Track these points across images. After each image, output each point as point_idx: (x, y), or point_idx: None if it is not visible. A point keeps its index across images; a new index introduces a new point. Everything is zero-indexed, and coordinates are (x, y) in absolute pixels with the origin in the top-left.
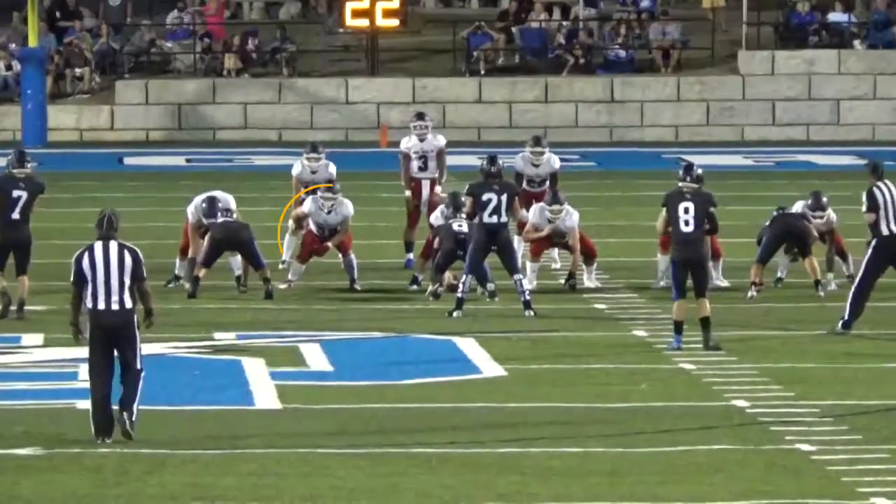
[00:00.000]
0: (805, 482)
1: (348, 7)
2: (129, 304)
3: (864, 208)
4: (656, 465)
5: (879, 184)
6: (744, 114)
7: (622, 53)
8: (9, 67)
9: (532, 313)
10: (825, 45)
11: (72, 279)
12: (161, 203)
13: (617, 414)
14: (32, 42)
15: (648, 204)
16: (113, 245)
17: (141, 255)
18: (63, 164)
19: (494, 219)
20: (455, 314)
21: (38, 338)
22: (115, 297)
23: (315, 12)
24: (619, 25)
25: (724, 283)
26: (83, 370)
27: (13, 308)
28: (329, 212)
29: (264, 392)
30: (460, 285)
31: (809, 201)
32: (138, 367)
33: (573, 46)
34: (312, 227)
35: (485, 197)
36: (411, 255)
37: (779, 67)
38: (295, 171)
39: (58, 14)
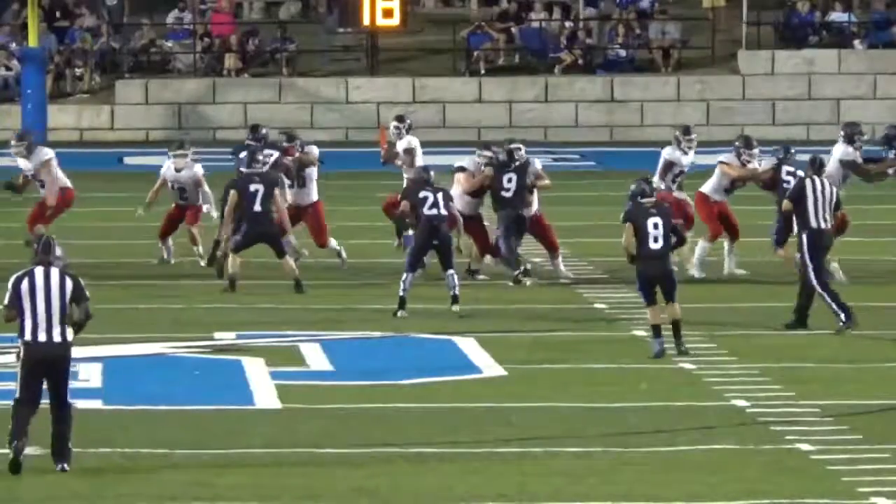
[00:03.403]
0: (805, 482)
1: (366, 7)
2: (69, 336)
3: (787, 195)
4: (656, 465)
5: (815, 178)
6: (744, 113)
7: (622, 53)
8: (9, 68)
9: (458, 308)
10: (825, 45)
11: (6, 302)
12: (161, 203)
13: (617, 414)
14: (32, 42)
15: None
16: (53, 271)
17: (80, 279)
18: (63, 164)
19: (435, 211)
20: (399, 314)
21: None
22: (56, 329)
23: (315, 12)
24: (619, 25)
25: (740, 272)
26: (83, 370)
27: None
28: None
29: (264, 392)
30: (401, 283)
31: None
32: (70, 402)
33: (573, 46)
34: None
35: (421, 195)
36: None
37: (779, 67)
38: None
39: (57, 14)
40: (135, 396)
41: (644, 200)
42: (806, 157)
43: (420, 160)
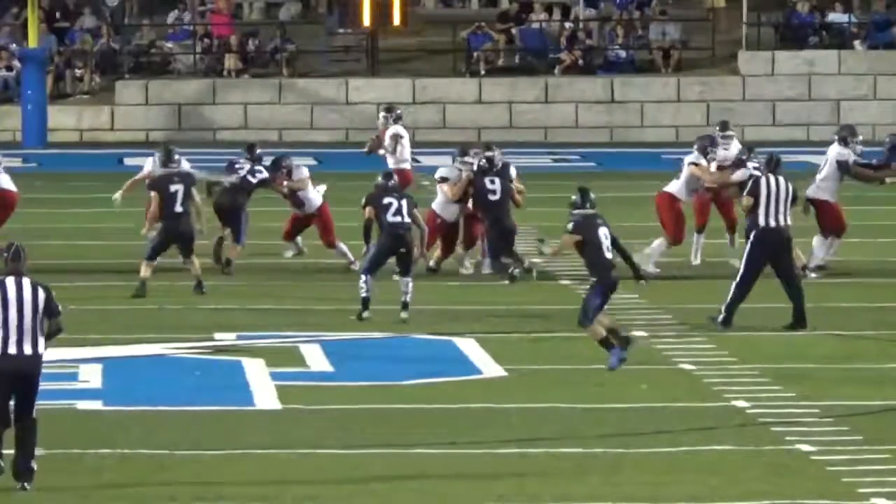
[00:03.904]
0: (805, 482)
1: (366, 7)
2: (41, 349)
3: (745, 191)
4: (656, 466)
5: (770, 176)
6: (744, 114)
7: (622, 54)
8: (9, 68)
9: (406, 315)
10: (825, 46)
11: None
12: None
13: (617, 414)
14: (32, 43)
15: (649, 205)
16: (25, 282)
17: (52, 291)
18: (63, 165)
19: (398, 218)
20: (364, 315)
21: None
22: (27, 342)
23: (315, 12)
24: (618, 26)
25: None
26: (83, 370)
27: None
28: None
29: (264, 392)
30: (362, 285)
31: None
32: (35, 417)
33: (573, 47)
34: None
35: (385, 200)
36: None
37: (779, 68)
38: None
39: (58, 15)
40: (135, 397)
41: (590, 211)
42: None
43: (407, 151)
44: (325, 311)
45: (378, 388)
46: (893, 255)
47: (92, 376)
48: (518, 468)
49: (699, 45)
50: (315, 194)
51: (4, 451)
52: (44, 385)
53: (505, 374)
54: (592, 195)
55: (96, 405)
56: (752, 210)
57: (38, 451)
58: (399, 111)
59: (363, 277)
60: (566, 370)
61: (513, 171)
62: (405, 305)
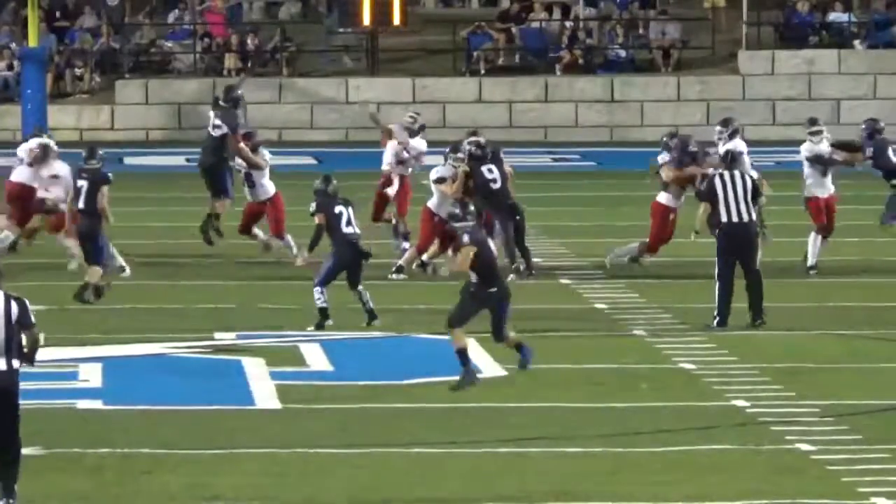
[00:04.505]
0: (805, 482)
1: (366, 7)
2: (15, 364)
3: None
4: (656, 465)
5: (726, 172)
6: (744, 113)
7: (622, 53)
8: (9, 67)
9: (379, 322)
10: (825, 45)
11: None
12: (161, 203)
13: (617, 414)
14: (32, 42)
15: (648, 204)
16: None
17: (27, 302)
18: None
19: (351, 230)
20: (327, 324)
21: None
22: (2, 356)
23: (315, 12)
24: (618, 25)
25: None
26: (83, 370)
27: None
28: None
29: (264, 392)
30: (318, 295)
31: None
32: (19, 443)
33: (573, 46)
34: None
35: (336, 209)
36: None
37: (779, 67)
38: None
39: (58, 14)
40: (135, 396)
41: (472, 222)
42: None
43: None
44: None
45: (378, 387)
46: (893, 254)
47: (92, 375)
48: (517, 467)
49: (699, 44)
50: (270, 183)
51: None
52: (43, 384)
53: (504, 373)
54: (472, 206)
55: (96, 404)
56: (714, 209)
57: (37, 451)
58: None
59: (319, 289)
60: (566, 369)
61: (507, 165)
62: (373, 314)
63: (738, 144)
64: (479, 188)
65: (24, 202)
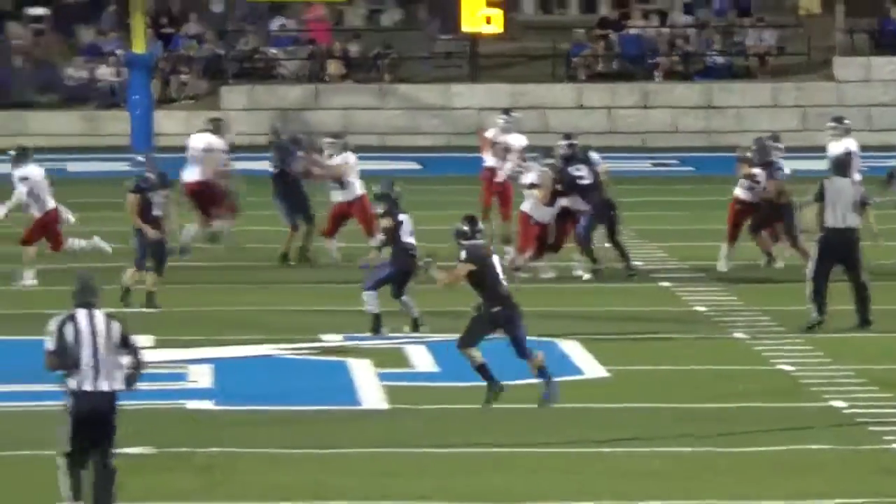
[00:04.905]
0: None
1: (464, 11)
2: (115, 386)
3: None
4: (755, 465)
5: (834, 178)
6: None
7: (719, 60)
8: (117, 73)
9: (425, 329)
10: None
11: (52, 348)
12: (264, 207)
13: (715, 414)
14: (139, 48)
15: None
16: (98, 315)
17: (125, 323)
18: (170, 168)
19: (412, 240)
20: (382, 330)
21: (149, 339)
22: (103, 379)
23: (417, 19)
24: (715, 32)
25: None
26: (192, 371)
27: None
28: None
29: (371, 392)
30: (371, 300)
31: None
32: (113, 464)
33: (671, 53)
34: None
35: (400, 217)
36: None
37: (874, 73)
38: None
39: (163, 20)
40: (244, 397)
41: (480, 241)
42: None
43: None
44: (431, 312)
45: (483, 388)
46: None
47: (202, 377)
48: (616, 467)
49: (794, 50)
50: (358, 182)
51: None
52: (154, 385)
53: (607, 374)
54: (481, 225)
55: (206, 405)
56: (820, 213)
57: (148, 450)
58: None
59: (372, 293)
60: (666, 371)
61: (594, 156)
62: (417, 322)
63: (849, 143)
64: (568, 185)
65: (206, 197)
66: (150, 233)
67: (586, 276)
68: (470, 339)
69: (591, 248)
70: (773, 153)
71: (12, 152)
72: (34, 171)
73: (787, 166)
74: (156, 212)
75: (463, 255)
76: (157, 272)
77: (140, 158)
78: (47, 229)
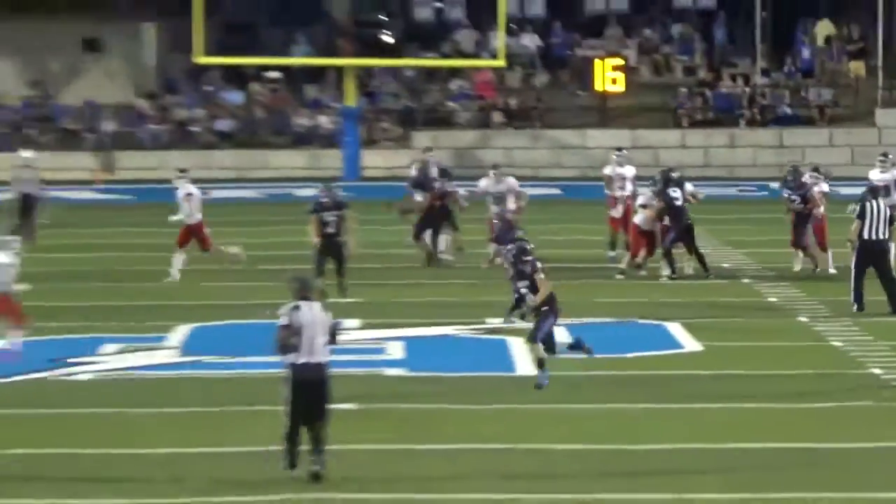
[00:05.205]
0: None
1: (597, 74)
2: (325, 358)
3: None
4: (817, 415)
5: (872, 201)
6: None
7: (788, 111)
8: (333, 122)
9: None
10: None
11: (284, 326)
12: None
13: (788, 378)
14: (350, 102)
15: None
16: (314, 305)
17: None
18: (373, 194)
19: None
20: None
21: (354, 322)
22: (318, 354)
23: (560, 80)
24: (786, 90)
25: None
26: (388, 346)
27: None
28: None
29: (522, 363)
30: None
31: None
32: (327, 419)
33: (752, 106)
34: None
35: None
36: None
37: None
38: None
39: (367, 81)
40: (429, 365)
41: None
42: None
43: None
44: (570, 301)
45: (609, 358)
46: None
47: (396, 350)
48: (704, 419)
49: (846, 104)
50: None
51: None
52: (356, 357)
53: (701, 348)
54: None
55: (400, 371)
56: (860, 227)
57: (354, 406)
58: (625, 152)
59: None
60: (746, 346)
61: (689, 186)
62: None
63: (895, 173)
64: (669, 206)
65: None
66: (315, 241)
67: (665, 275)
68: (538, 336)
69: (673, 255)
70: (808, 178)
71: (179, 174)
72: (194, 190)
73: (827, 186)
74: (328, 229)
75: (542, 274)
76: (339, 272)
77: (321, 186)
78: (197, 235)
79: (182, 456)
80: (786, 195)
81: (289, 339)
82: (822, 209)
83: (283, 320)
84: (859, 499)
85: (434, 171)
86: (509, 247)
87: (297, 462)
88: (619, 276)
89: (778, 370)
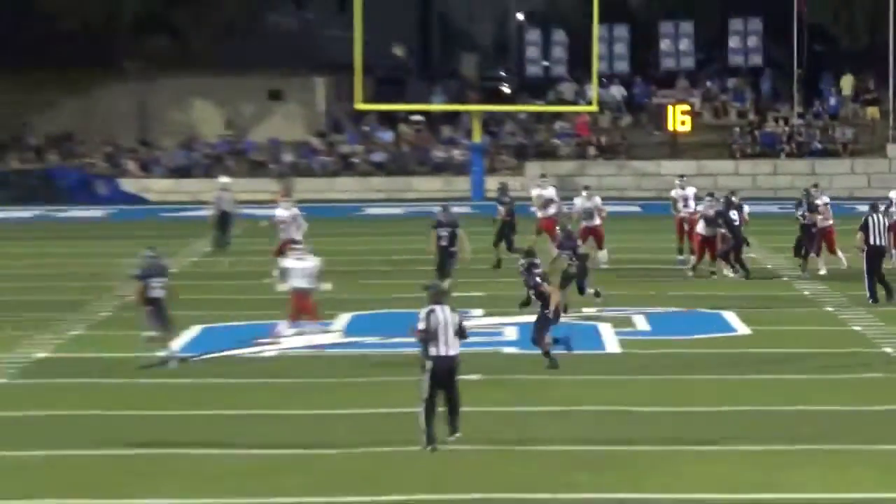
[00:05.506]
0: None
1: (669, 117)
2: (456, 352)
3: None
4: (839, 384)
5: (873, 215)
6: (891, 182)
7: (819, 145)
8: (463, 155)
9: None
10: None
11: (423, 327)
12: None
13: (816, 355)
14: (476, 139)
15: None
16: (446, 308)
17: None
18: (494, 211)
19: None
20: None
21: (479, 311)
22: (452, 348)
23: (641, 122)
24: (817, 129)
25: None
26: (505, 330)
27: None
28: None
29: (610, 343)
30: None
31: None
32: (457, 397)
33: (791, 142)
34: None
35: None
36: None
37: None
38: None
39: (490, 123)
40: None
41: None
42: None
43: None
44: (649, 295)
45: (678, 339)
46: None
47: (511, 333)
48: (750, 386)
49: (864, 140)
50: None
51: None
52: (479, 339)
53: (750, 332)
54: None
55: (515, 350)
56: (865, 236)
57: (477, 377)
58: (685, 178)
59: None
60: (788, 330)
61: (746, 209)
62: (597, 293)
63: None
64: (729, 226)
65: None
66: (429, 250)
67: (726, 274)
68: (539, 337)
69: (729, 260)
70: (816, 197)
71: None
72: (296, 212)
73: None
74: (442, 242)
75: (547, 284)
76: (447, 275)
77: (436, 208)
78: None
79: (355, 416)
80: (798, 214)
81: (426, 338)
82: (829, 221)
83: (420, 324)
84: (871, 450)
85: (551, 193)
86: (563, 253)
87: (436, 437)
88: (689, 274)
89: (809, 349)
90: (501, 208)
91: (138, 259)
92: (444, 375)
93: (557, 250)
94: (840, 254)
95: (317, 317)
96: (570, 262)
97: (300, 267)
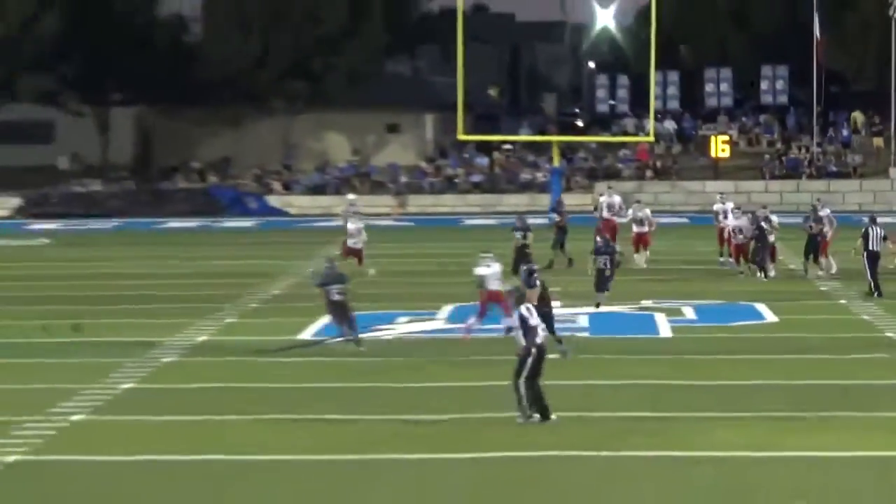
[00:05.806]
0: None
1: (712, 146)
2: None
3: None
4: (849, 364)
5: (872, 226)
6: (893, 201)
7: (834, 168)
8: (544, 177)
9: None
10: None
11: (527, 323)
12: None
13: (836, 339)
14: (556, 163)
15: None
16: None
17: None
18: (570, 221)
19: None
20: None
21: (557, 303)
22: (543, 337)
23: (689, 149)
24: (832, 156)
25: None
26: (578, 318)
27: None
28: None
29: (663, 328)
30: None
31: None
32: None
33: (811, 165)
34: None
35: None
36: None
37: None
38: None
39: (566, 149)
40: (604, 331)
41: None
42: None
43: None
44: (696, 290)
45: (720, 326)
46: None
47: (582, 321)
48: (777, 365)
49: (872, 164)
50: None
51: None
52: (561, 325)
53: (777, 320)
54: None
55: (586, 334)
56: (865, 242)
57: (555, 356)
58: (724, 194)
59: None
60: (808, 319)
61: (774, 218)
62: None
63: None
64: (759, 230)
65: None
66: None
67: (758, 277)
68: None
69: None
70: (821, 210)
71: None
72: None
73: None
74: (517, 243)
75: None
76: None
77: (517, 216)
78: (353, 253)
79: (464, 388)
80: (806, 224)
81: (527, 330)
82: (827, 229)
83: (532, 321)
84: (877, 417)
85: (617, 200)
86: (602, 256)
87: (532, 408)
88: (740, 275)
89: (826, 334)
90: (557, 217)
91: (315, 269)
92: (541, 359)
93: (594, 255)
94: (830, 259)
95: (510, 311)
96: (604, 265)
97: (491, 273)
